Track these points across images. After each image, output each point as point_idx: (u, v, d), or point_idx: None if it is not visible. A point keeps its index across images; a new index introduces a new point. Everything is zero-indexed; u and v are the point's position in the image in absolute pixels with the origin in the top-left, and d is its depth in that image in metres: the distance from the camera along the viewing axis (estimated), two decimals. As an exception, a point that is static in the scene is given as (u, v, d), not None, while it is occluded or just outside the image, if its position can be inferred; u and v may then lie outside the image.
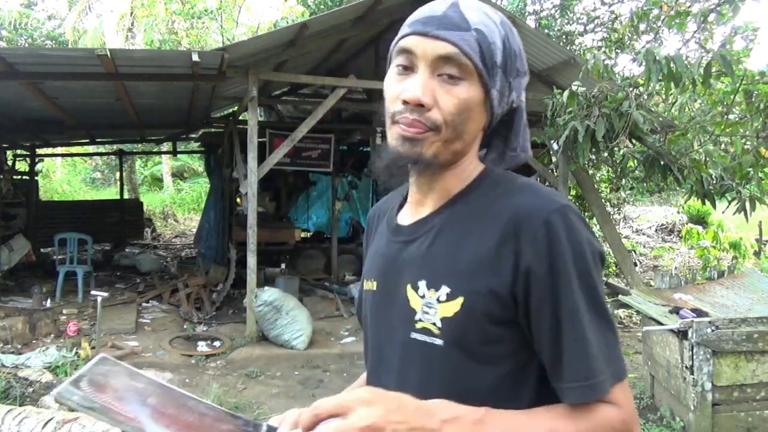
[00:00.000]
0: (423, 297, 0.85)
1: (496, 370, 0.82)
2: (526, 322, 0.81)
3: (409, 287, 0.87)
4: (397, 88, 0.84)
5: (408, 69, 0.84)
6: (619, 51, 8.95)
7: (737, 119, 4.97)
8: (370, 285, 0.97)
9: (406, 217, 0.96)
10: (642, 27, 5.56)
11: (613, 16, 10.20)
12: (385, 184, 0.94)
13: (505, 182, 0.89)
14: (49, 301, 7.21)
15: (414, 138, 0.83)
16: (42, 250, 10.55)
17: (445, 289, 0.82)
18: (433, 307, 0.83)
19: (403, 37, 0.86)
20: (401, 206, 1.00)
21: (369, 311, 0.97)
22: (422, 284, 0.85)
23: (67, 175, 21.61)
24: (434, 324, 0.83)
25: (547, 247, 0.78)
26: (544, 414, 0.78)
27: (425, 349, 0.83)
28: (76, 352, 5.24)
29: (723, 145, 5.51)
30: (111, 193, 19.39)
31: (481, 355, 0.82)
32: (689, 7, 4.69)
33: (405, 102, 0.82)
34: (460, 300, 0.81)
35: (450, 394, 0.78)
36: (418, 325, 0.85)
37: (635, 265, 9.94)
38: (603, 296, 0.81)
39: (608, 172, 9.50)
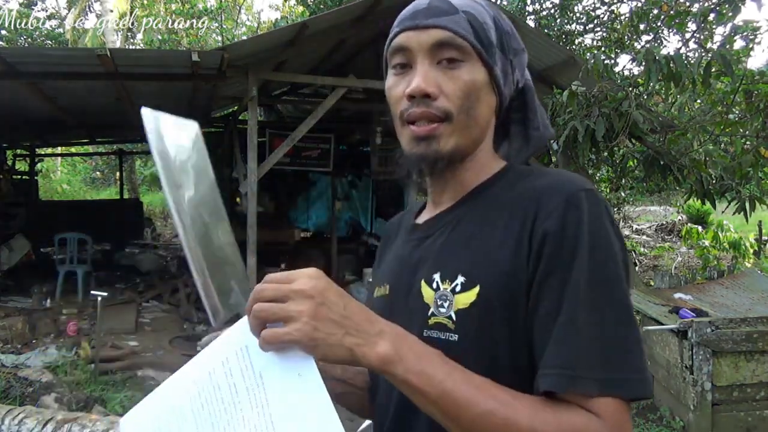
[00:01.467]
0: (437, 290, 0.78)
1: (519, 365, 0.73)
2: (529, 300, 0.73)
3: (423, 282, 0.81)
4: (400, 88, 0.81)
5: (406, 66, 0.82)
6: (618, 51, 8.95)
7: (737, 119, 4.97)
8: (381, 291, 0.91)
9: (424, 216, 0.92)
10: (642, 27, 5.56)
11: (613, 15, 10.19)
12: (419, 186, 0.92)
13: (533, 171, 0.83)
14: (48, 300, 7.21)
15: (428, 135, 0.79)
16: (42, 249, 10.55)
17: (460, 279, 0.76)
18: (447, 299, 0.77)
19: (394, 37, 0.83)
20: (420, 210, 0.96)
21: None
22: (437, 277, 0.79)
23: (66, 174, 21.62)
24: (449, 317, 0.76)
25: (562, 223, 0.71)
26: (508, 391, 0.68)
27: (440, 347, 0.72)
28: (76, 352, 5.24)
29: (723, 145, 5.52)
30: (111, 192, 19.40)
31: (502, 349, 0.73)
32: (689, 6, 4.69)
33: (410, 97, 0.79)
34: (475, 289, 0.74)
35: None
36: (432, 321, 0.78)
37: (635, 264, 9.94)
38: (623, 295, 0.70)
39: (608, 172, 9.50)
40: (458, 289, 0.76)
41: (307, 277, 0.65)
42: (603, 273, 0.69)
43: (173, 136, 0.75)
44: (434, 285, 0.79)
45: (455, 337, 0.75)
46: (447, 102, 0.78)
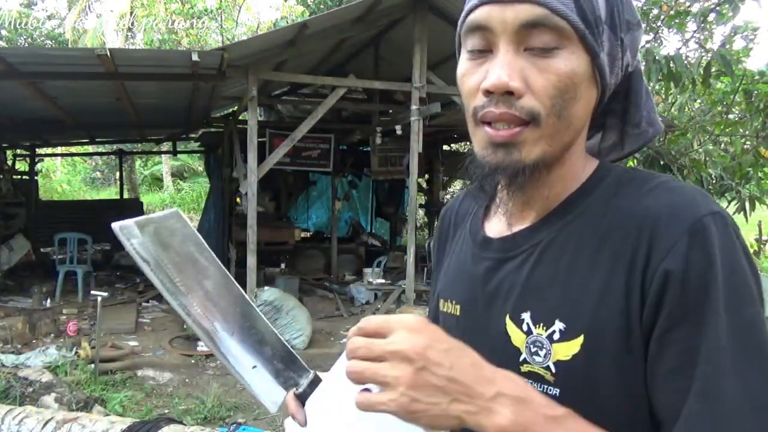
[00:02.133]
0: (529, 333, 0.67)
1: (630, 426, 0.62)
2: (646, 352, 0.60)
3: (508, 320, 0.69)
4: (475, 78, 0.65)
5: (485, 52, 0.65)
6: (618, 51, 8.96)
7: (737, 119, 4.98)
8: (449, 308, 0.80)
9: (497, 227, 0.76)
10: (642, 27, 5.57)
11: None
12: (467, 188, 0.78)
13: (635, 180, 0.66)
14: (48, 300, 7.22)
15: (508, 142, 0.63)
16: (42, 249, 10.56)
17: (558, 325, 0.64)
18: (543, 347, 0.65)
19: (470, 11, 0.65)
20: (487, 210, 0.81)
21: None
22: (527, 317, 0.67)
23: (66, 174, 21.62)
24: (547, 368, 0.64)
25: (686, 263, 0.57)
26: None
27: None
28: (76, 352, 5.24)
29: (723, 145, 5.52)
30: (111, 192, 19.40)
31: (610, 407, 0.62)
32: (689, 6, 4.70)
33: (488, 92, 0.63)
34: (579, 339, 0.62)
35: None
36: (524, 369, 0.66)
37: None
38: (766, 334, 0.56)
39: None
40: (556, 336, 0.64)
41: (406, 331, 0.55)
42: (742, 320, 0.56)
43: (157, 242, 0.68)
44: (524, 327, 0.67)
45: (556, 392, 0.64)
46: (534, 101, 0.62)
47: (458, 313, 0.78)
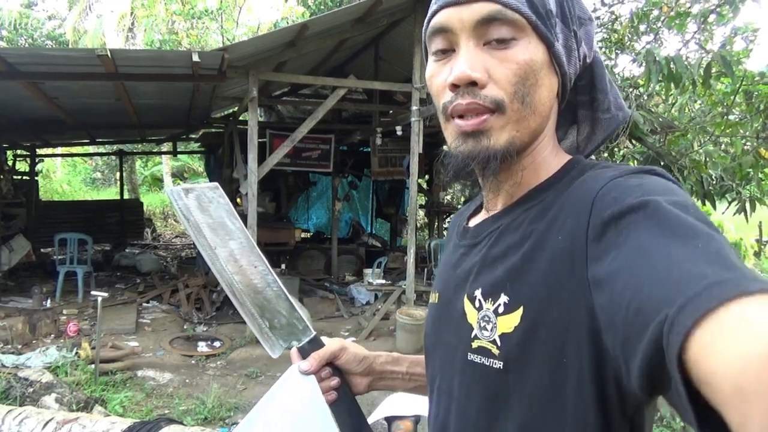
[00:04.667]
0: (480, 309, 0.69)
1: (574, 402, 0.60)
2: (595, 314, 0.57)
3: (465, 299, 0.72)
4: (442, 77, 0.69)
5: (448, 51, 0.70)
6: (619, 51, 8.95)
7: (737, 120, 4.98)
8: (433, 298, 0.85)
9: (477, 218, 0.82)
10: (642, 28, 5.56)
11: (613, 16, 10.20)
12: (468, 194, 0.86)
13: (594, 168, 0.68)
14: (49, 301, 7.22)
15: (477, 130, 0.67)
16: (42, 250, 10.56)
17: (503, 299, 0.66)
18: (491, 321, 0.67)
19: (432, 16, 0.71)
20: (480, 207, 0.86)
21: (429, 329, 0.83)
22: (478, 293, 0.70)
23: (67, 175, 21.62)
24: (493, 342, 0.66)
25: (618, 208, 0.56)
26: None
27: (484, 374, 0.67)
28: (76, 353, 5.24)
29: (723, 146, 5.52)
30: (111, 193, 19.40)
31: (554, 380, 0.62)
32: (689, 7, 4.70)
33: (454, 86, 0.67)
34: (519, 311, 0.64)
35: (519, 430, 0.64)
36: (475, 344, 0.69)
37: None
38: (690, 219, 0.51)
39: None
40: (501, 310, 0.66)
41: None
42: (660, 215, 0.52)
43: (197, 205, 0.84)
44: (477, 303, 0.70)
45: (499, 365, 0.65)
46: (497, 90, 0.66)
47: (436, 301, 0.82)
